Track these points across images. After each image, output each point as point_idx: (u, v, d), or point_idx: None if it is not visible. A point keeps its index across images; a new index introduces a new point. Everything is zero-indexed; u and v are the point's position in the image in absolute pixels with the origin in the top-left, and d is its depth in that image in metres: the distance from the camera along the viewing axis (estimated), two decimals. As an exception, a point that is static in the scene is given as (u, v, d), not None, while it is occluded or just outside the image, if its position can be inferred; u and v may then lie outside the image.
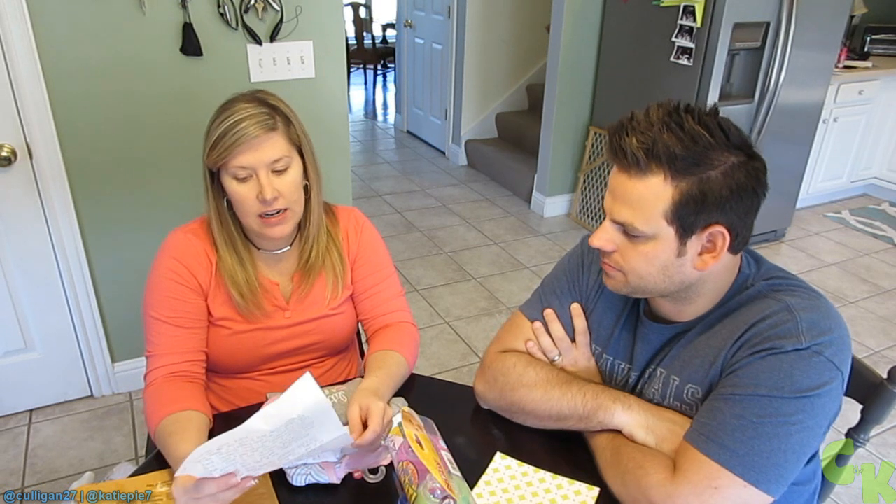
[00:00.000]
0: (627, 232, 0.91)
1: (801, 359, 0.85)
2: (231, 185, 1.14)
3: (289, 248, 1.27)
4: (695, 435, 0.88)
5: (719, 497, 0.83)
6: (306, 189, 1.22)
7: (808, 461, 0.96)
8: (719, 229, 0.88)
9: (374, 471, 1.01)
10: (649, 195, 0.87)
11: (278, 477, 0.98)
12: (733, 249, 0.92)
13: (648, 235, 0.89)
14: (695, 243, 0.89)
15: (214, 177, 1.17)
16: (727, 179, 0.85)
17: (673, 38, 3.07)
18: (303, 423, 0.85)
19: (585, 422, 1.00)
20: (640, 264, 0.92)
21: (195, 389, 1.16)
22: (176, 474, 0.84)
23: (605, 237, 0.93)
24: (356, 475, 1.01)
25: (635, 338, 1.06)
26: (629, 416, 0.97)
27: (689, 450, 0.87)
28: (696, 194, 0.85)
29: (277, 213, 1.15)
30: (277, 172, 1.14)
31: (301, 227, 1.27)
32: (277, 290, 1.27)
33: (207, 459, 0.83)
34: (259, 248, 1.25)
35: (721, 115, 0.88)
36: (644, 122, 0.87)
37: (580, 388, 1.02)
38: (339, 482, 0.99)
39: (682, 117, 0.86)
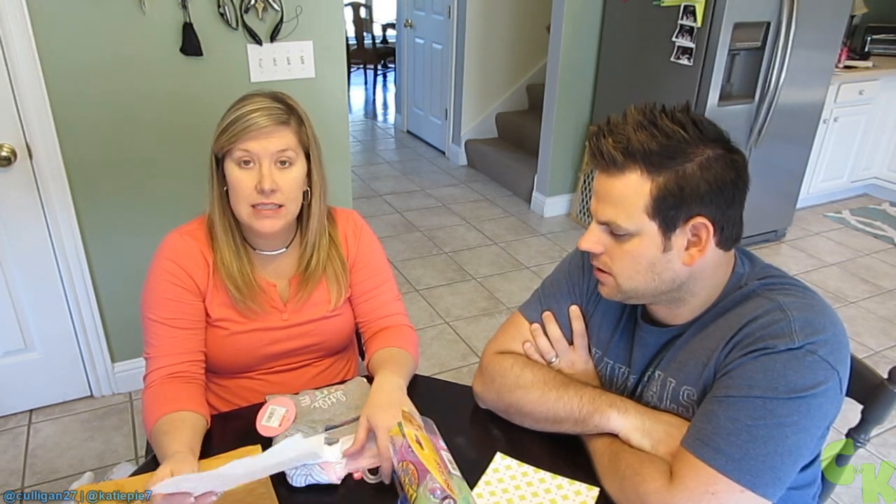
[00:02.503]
0: (613, 231, 0.92)
1: (794, 358, 0.85)
2: (232, 171, 1.14)
3: (285, 249, 1.27)
4: (691, 440, 0.88)
5: (716, 503, 0.83)
6: (306, 195, 1.22)
7: (809, 465, 0.96)
8: (702, 221, 0.89)
9: (373, 471, 1.01)
10: (628, 192, 0.88)
11: (278, 477, 0.98)
12: (722, 245, 0.92)
13: (632, 232, 0.90)
14: (679, 238, 0.90)
15: (219, 164, 1.17)
16: (704, 172, 0.87)
17: (673, 38, 3.07)
18: (282, 463, 0.90)
19: (581, 425, 1.00)
20: (628, 263, 0.93)
21: (193, 390, 1.16)
22: (153, 488, 0.86)
23: (592, 239, 0.95)
24: (356, 475, 1.01)
25: (633, 341, 1.06)
26: (625, 419, 0.97)
27: (685, 455, 0.87)
28: (673, 188, 0.87)
29: (272, 206, 1.15)
30: (280, 167, 1.14)
31: (300, 231, 1.27)
32: (274, 291, 1.27)
33: (179, 485, 0.86)
34: (255, 249, 1.25)
35: (693, 110, 0.91)
36: (619, 124, 0.90)
37: (577, 391, 1.02)
38: (338, 482, 0.99)
39: (656, 116, 0.88)
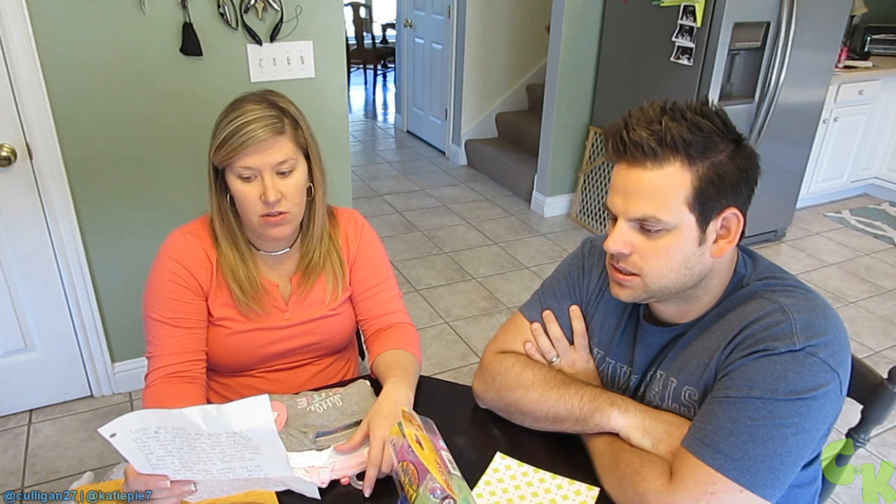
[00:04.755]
0: (646, 227, 0.89)
1: (794, 360, 0.84)
2: (235, 184, 1.14)
3: (288, 249, 1.27)
4: (691, 440, 0.88)
5: (715, 503, 0.83)
6: (310, 191, 1.22)
7: (810, 463, 0.96)
8: (733, 212, 0.89)
9: (361, 476, 0.99)
10: (668, 184, 0.87)
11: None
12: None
13: (670, 227, 0.88)
14: (711, 230, 0.90)
15: (219, 173, 1.17)
16: (735, 162, 0.88)
17: (673, 38, 3.07)
18: (246, 445, 0.83)
19: (582, 424, 1.00)
20: (662, 260, 0.90)
21: (193, 390, 1.16)
22: (101, 430, 0.80)
23: (620, 239, 0.91)
24: (343, 481, 0.99)
25: (635, 341, 1.06)
26: (625, 418, 0.97)
27: (685, 455, 0.87)
28: (713, 178, 0.87)
29: (279, 214, 1.15)
30: (282, 175, 1.14)
31: (304, 229, 1.27)
32: (277, 291, 1.27)
33: (144, 442, 0.82)
34: (259, 250, 1.26)
35: (712, 104, 0.91)
36: (645, 118, 0.88)
37: (577, 390, 1.02)
38: (324, 486, 0.97)
39: (682, 109, 0.88)
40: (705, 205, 0.87)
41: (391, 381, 1.13)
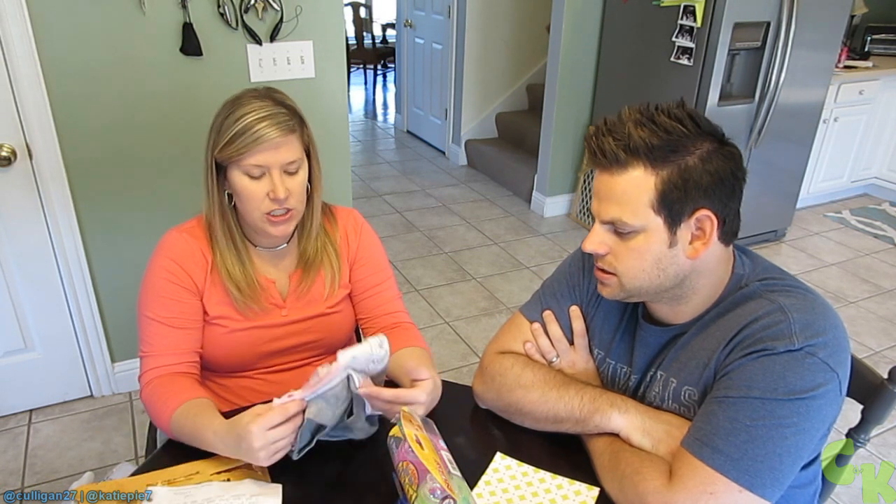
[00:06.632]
0: (618, 230, 0.92)
1: (793, 360, 0.85)
2: (241, 182, 1.13)
3: (285, 245, 1.27)
4: (690, 440, 0.88)
5: (715, 503, 0.83)
6: (307, 188, 1.22)
7: (809, 463, 0.96)
8: (706, 214, 0.89)
9: (370, 419, 1.02)
10: (632, 188, 0.89)
11: (278, 469, 0.98)
12: (723, 238, 0.93)
13: (638, 229, 0.90)
14: (684, 232, 0.91)
15: (220, 169, 1.16)
16: (705, 165, 0.88)
17: (673, 38, 3.07)
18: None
19: (582, 425, 1.00)
20: (634, 261, 0.93)
21: (197, 384, 1.16)
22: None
23: (596, 240, 0.95)
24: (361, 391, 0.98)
25: (634, 341, 1.06)
26: (625, 419, 0.97)
27: (684, 455, 0.87)
28: (677, 181, 0.87)
29: (286, 212, 1.15)
30: (289, 173, 1.14)
31: (300, 225, 1.27)
32: (274, 288, 1.27)
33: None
34: (256, 245, 1.25)
35: (688, 105, 0.91)
36: (618, 123, 0.90)
37: (577, 390, 1.02)
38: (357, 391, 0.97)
39: (653, 114, 0.89)
40: (671, 207, 0.88)
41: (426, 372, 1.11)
